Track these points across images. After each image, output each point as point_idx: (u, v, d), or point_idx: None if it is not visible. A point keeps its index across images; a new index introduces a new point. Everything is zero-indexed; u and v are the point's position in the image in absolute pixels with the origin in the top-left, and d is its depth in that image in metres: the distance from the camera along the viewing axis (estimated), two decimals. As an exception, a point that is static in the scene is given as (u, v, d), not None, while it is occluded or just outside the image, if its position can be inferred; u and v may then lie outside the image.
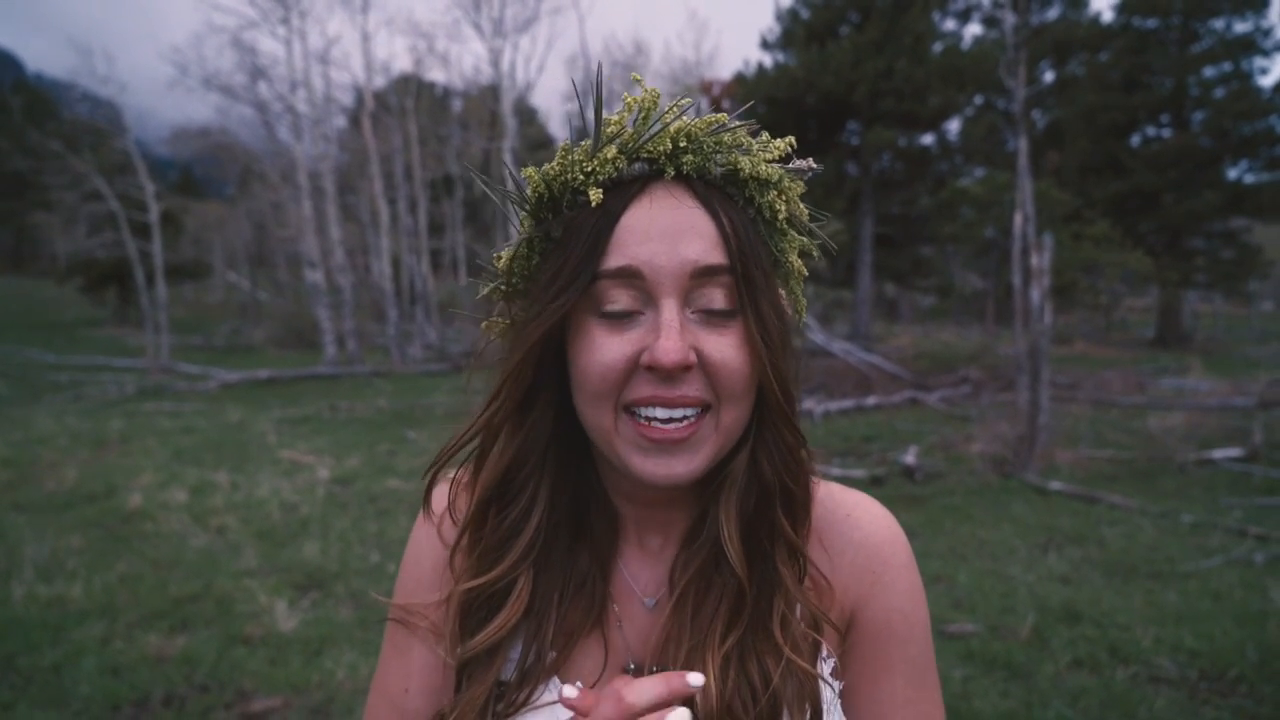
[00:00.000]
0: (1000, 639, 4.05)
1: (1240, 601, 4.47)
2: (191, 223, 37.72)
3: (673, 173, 0.69)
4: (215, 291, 45.66)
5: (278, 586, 4.70)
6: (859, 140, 23.57)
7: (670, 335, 0.65)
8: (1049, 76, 27.39)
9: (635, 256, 0.67)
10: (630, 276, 0.67)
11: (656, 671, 0.73)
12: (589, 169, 0.69)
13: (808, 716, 0.71)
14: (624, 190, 0.69)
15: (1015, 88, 10.90)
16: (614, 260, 0.67)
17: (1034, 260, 8.63)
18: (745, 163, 0.70)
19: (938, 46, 22.87)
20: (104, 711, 3.32)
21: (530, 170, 0.72)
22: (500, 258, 0.76)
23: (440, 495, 0.83)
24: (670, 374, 0.66)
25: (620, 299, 0.68)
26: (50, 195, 25.31)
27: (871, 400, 12.23)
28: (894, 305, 37.77)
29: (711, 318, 0.68)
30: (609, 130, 0.70)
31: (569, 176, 0.70)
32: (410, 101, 25.25)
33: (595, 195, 0.68)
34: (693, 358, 0.66)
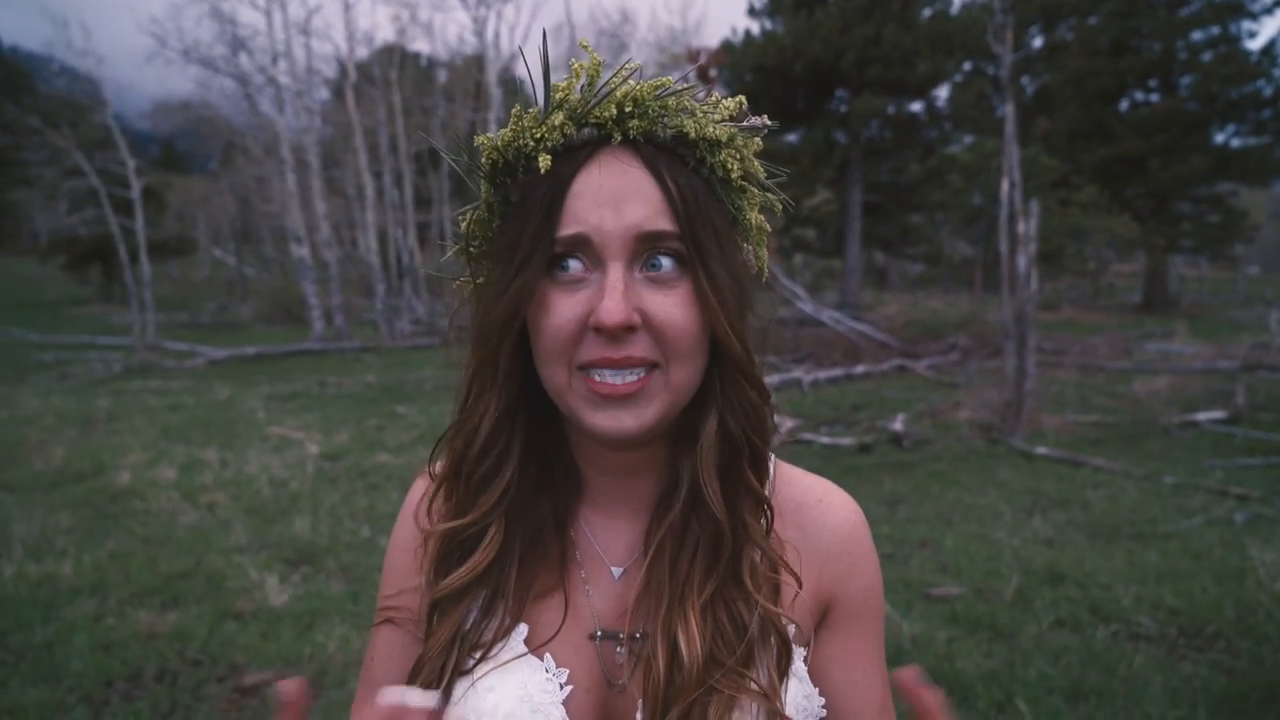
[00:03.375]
0: (985, 601, 4.11)
1: (1220, 560, 4.55)
2: (175, 198, 37.24)
3: (619, 137, 0.71)
4: (201, 268, 45.29)
5: (268, 562, 4.72)
6: (847, 108, 23.46)
7: (614, 296, 0.67)
8: (1038, 42, 27.21)
9: (584, 223, 0.69)
10: (580, 242, 0.69)
11: (640, 639, 0.77)
12: (538, 135, 0.70)
13: (775, 652, 0.75)
14: (574, 155, 0.71)
15: (1003, 53, 10.83)
16: (565, 228, 0.69)
17: (1020, 227, 8.64)
18: (690, 125, 0.71)
19: (926, 12, 22.71)
20: (96, 687, 3.34)
21: (485, 137, 0.74)
22: (462, 220, 0.78)
23: (417, 489, 0.87)
24: (614, 334, 0.68)
25: (572, 263, 0.70)
26: (29, 172, 24.92)
27: (860, 369, 12.28)
28: (883, 273, 37.78)
29: (658, 277, 0.70)
30: (557, 96, 0.71)
31: (521, 143, 0.71)
32: (394, 73, 24.91)
33: (544, 161, 0.70)
34: (636, 318, 0.68)
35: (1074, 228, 20.53)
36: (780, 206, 0.79)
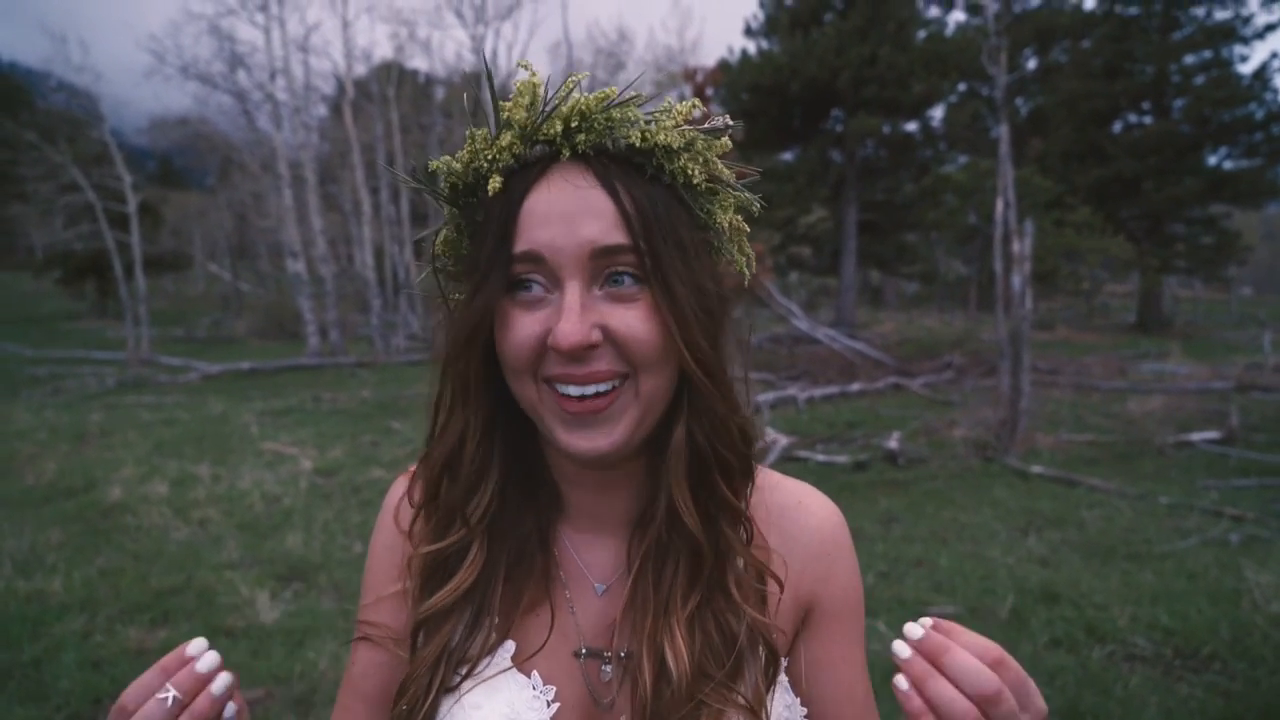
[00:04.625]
0: (980, 620, 4.10)
1: (1215, 581, 4.53)
2: (171, 213, 37.28)
3: (568, 153, 0.70)
4: (196, 283, 45.23)
5: (260, 578, 4.68)
6: (843, 127, 23.59)
7: (570, 318, 0.67)
8: (1032, 64, 27.47)
9: (535, 241, 0.69)
10: (534, 260, 0.69)
11: (624, 658, 0.77)
12: (490, 156, 0.71)
13: (761, 655, 0.75)
14: (525, 174, 0.71)
15: (997, 75, 10.91)
16: (519, 245, 0.69)
17: (1015, 247, 8.68)
18: (635, 135, 0.70)
19: (921, 33, 22.91)
20: (84, 706, 3.30)
21: (444, 160, 0.74)
22: (435, 240, 0.79)
23: (396, 488, 0.87)
24: (573, 354, 0.68)
25: (529, 282, 0.70)
26: (25, 186, 24.89)
27: (855, 386, 12.28)
28: (878, 292, 37.91)
29: (618, 291, 0.70)
30: (504, 116, 0.71)
31: (477, 164, 0.72)
32: (392, 89, 25.03)
33: (494, 183, 0.70)
34: (596, 336, 0.68)
35: (1068, 248, 20.63)
36: (756, 206, 0.77)
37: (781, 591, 0.78)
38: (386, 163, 24.78)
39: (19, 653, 3.74)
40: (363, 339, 22.57)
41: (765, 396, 10.83)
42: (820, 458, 7.78)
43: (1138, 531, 5.54)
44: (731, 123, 0.75)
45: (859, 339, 17.11)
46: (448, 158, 0.74)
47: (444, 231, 0.78)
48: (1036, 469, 7.26)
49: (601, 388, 0.69)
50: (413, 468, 0.86)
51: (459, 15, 22.45)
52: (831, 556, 0.84)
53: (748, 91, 23.31)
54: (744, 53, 24.37)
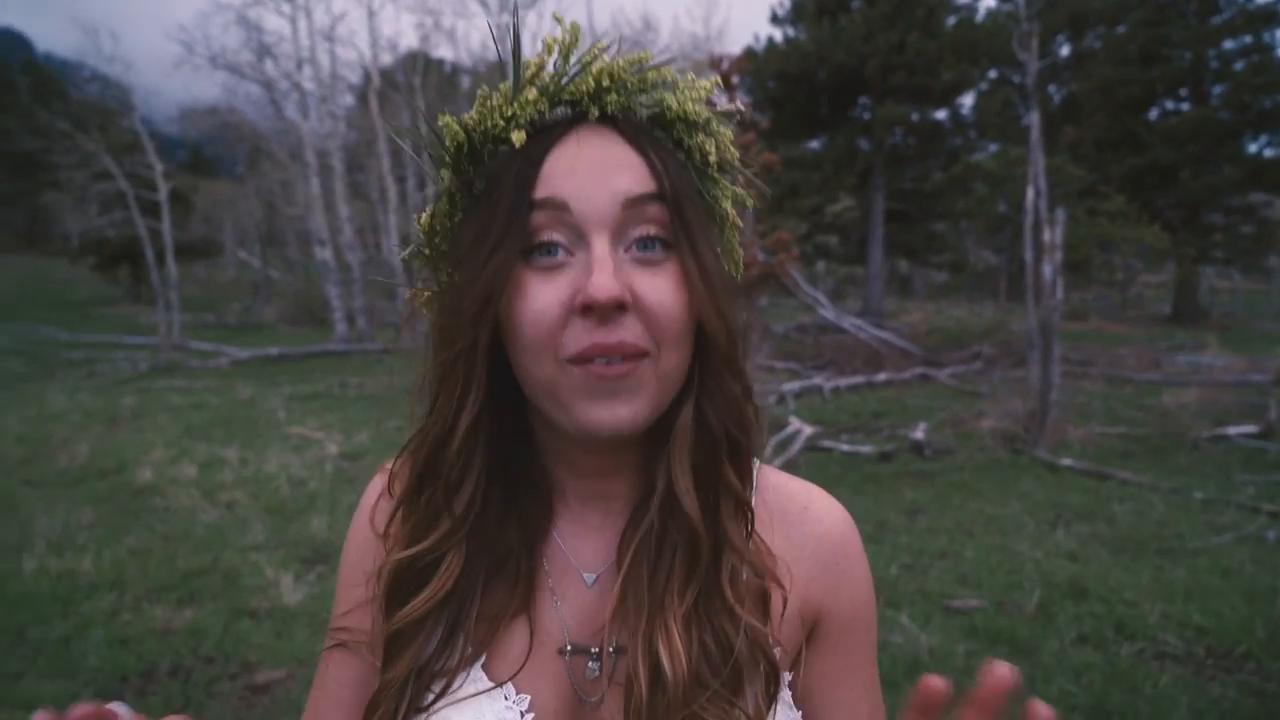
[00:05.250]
0: (1005, 614, 4.04)
1: (1250, 578, 4.43)
2: (201, 201, 37.71)
3: (596, 113, 0.67)
4: (227, 270, 45.81)
5: (284, 560, 4.73)
6: (870, 115, 23.30)
7: (604, 270, 0.62)
8: (1065, 50, 26.95)
9: (561, 189, 0.64)
10: (557, 209, 0.64)
11: (612, 653, 0.71)
12: (509, 114, 0.66)
13: (761, 671, 0.69)
14: (548, 134, 0.67)
15: (1029, 61, 10.69)
16: (539, 192, 0.64)
17: (1046, 235, 8.52)
18: (671, 100, 0.67)
19: (951, 20, 22.51)
20: (111, 682, 3.36)
21: (449, 119, 0.69)
22: (421, 218, 0.73)
23: (374, 486, 0.81)
24: (606, 312, 0.62)
25: (546, 235, 0.64)
26: (60, 175, 25.33)
27: (882, 376, 12.16)
28: (907, 281, 37.53)
29: (646, 255, 0.65)
30: (529, 73, 0.67)
31: (489, 124, 0.67)
32: (418, 79, 25.10)
33: (518, 137, 0.65)
34: (628, 295, 0.63)
35: (1102, 238, 20.26)
36: (750, 201, 0.74)
37: (786, 599, 0.72)
38: (413, 153, 24.88)
39: (49, 629, 3.82)
40: (390, 325, 22.73)
41: (791, 386, 10.76)
42: (845, 448, 7.72)
43: (1170, 526, 5.43)
44: (742, 107, 0.73)
45: (886, 328, 16.95)
46: (454, 117, 0.69)
47: (435, 204, 0.72)
48: (1066, 461, 7.14)
49: (625, 363, 0.64)
50: (389, 464, 0.80)
51: (484, 4, 22.42)
52: (841, 566, 0.77)
53: (774, 79, 23.08)
54: (770, 40, 24.12)
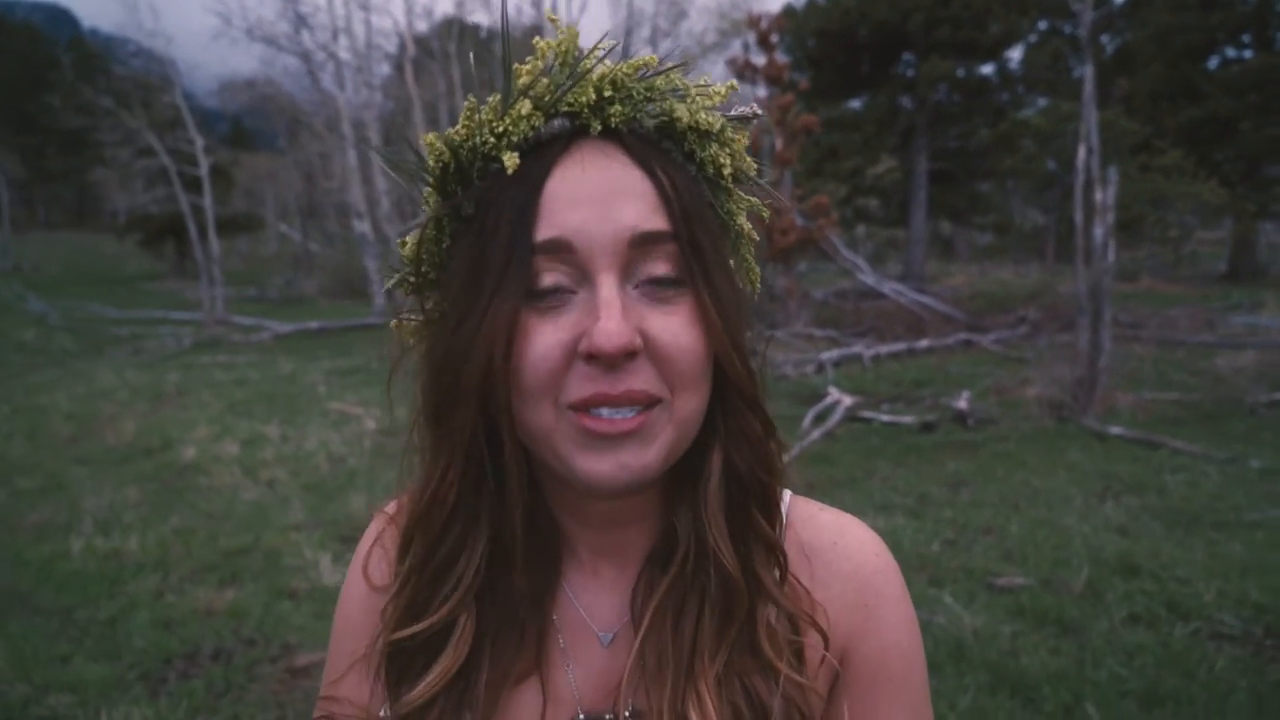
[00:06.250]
0: (1052, 593, 3.92)
1: (1312, 554, 4.26)
2: (242, 175, 38.21)
3: (599, 127, 0.59)
4: (269, 243, 46.48)
5: (323, 540, 4.78)
6: (914, 72, 22.69)
7: (611, 315, 0.55)
8: (1119, -3, 25.90)
9: (564, 226, 0.57)
10: (561, 250, 0.57)
11: (629, 717, 0.64)
12: (499, 130, 0.59)
13: None
14: (545, 152, 0.59)
15: (1082, 10, 10.24)
16: (541, 233, 0.57)
17: (1098, 196, 8.21)
18: (682, 110, 0.60)
19: (998, -32, 21.71)
20: (155, 665, 3.41)
21: (432, 136, 0.62)
22: (405, 243, 0.66)
23: (369, 535, 0.76)
24: (613, 361, 0.56)
25: (549, 278, 0.58)
26: (106, 152, 25.78)
27: (924, 343, 11.93)
28: (949, 244, 36.72)
29: (657, 292, 0.59)
30: (521, 82, 0.59)
31: (477, 140, 0.60)
32: (453, 46, 24.95)
33: (510, 160, 0.58)
34: (638, 341, 0.56)
35: (1156, 194, 19.56)
36: (767, 213, 0.67)
37: (826, 649, 0.65)
38: (449, 121, 24.84)
39: (96, 610, 3.90)
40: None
41: (830, 354, 10.60)
42: (885, 418, 7.58)
43: (1225, 498, 5.24)
44: (759, 112, 0.65)
45: (928, 293, 16.61)
46: (436, 134, 0.62)
47: (421, 231, 0.65)
48: (1115, 430, 6.92)
49: (631, 411, 0.58)
50: (387, 509, 0.74)
51: (518, -35, 22.14)
52: (870, 607, 0.69)
53: (814, 37, 22.57)
54: (810, -4, 23.54)
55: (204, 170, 21.45)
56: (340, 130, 20.52)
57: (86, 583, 4.20)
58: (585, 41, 0.61)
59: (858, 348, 11.21)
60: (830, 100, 23.62)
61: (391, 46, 27.03)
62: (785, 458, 0.69)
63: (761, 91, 14.64)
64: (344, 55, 20.78)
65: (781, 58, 15.59)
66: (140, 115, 21.87)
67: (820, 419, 7.29)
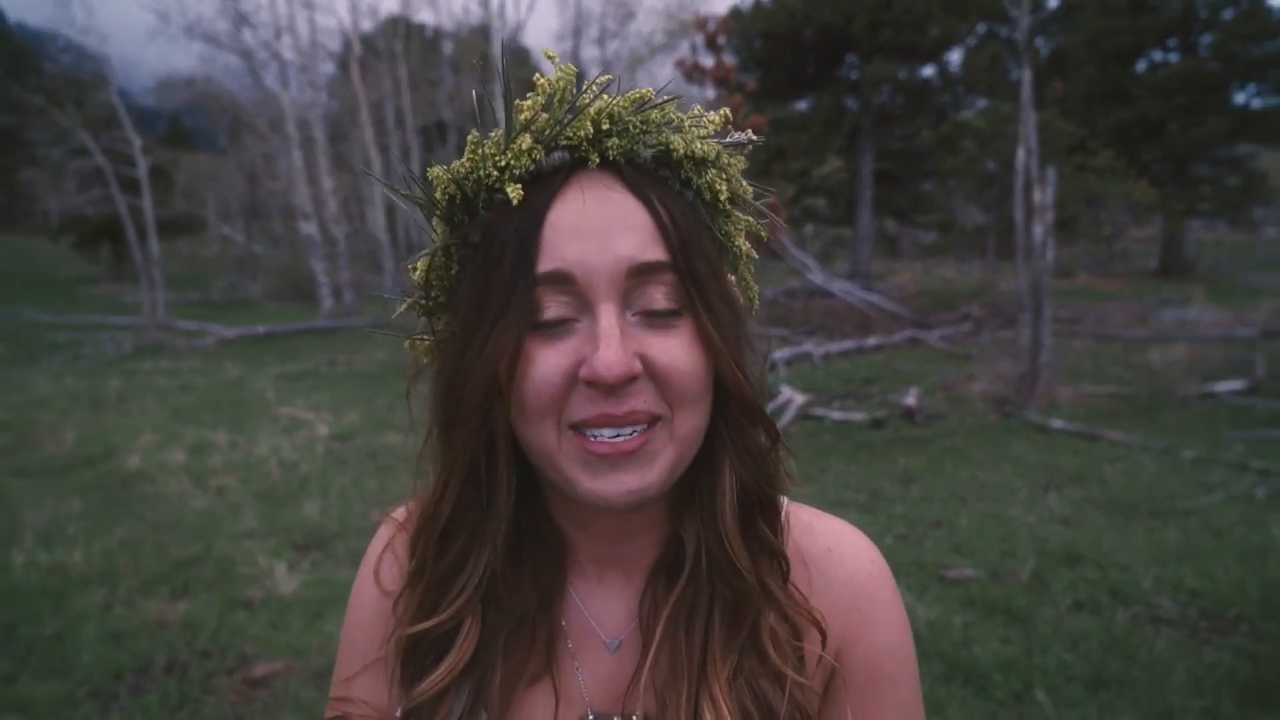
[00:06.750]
0: (1000, 583, 4.05)
1: (1241, 538, 4.47)
2: (182, 176, 37.10)
3: (597, 160, 0.63)
4: (211, 246, 45.29)
5: (278, 548, 4.70)
6: (858, 74, 23.09)
7: (610, 345, 0.59)
8: (1054, 1, 26.66)
9: (565, 258, 0.60)
10: (562, 281, 0.60)
11: None
12: (502, 163, 0.62)
13: None
14: (546, 184, 0.62)
15: (1019, 15, 10.53)
16: (543, 265, 0.60)
17: (1037, 196, 8.46)
18: (678, 141, 0.63)
19: (938, -27, 22.20)
20: (106, 680, 3.33)
21: (438, 170, 0.65)
22: (415, 269, 0.69)
23: (379, 540, 0.79)
24: (613, 388, 0.59)
25: (552, 306, 0.61)
26: (36, 151, 24.82)
27: (872, 341, 12.15)
28: (894, 242, 37.38)
29: (655, 319, 0.62)
30: (522, 117, 0.62)
31: (481, 173, 0.63)
32: (399, 45, 24.62)
33: (515, 193, 0.61)
34: (638, 367, 0.60)
35: (1090, 193, 20.21)
36: (764, 233, 0.71)
37: (824, 649, 0.69)
38: (396, 121, 24.51)
39: (41, 626, 3.78)
40: (377, 300, 22.53)
41: (781, 353, 10.73)
42: (837, 415, 7.71)
43: (1161, 487, 5.46)
44: (755, 138, 0.69)
45: (875, 291, 16.90)
46: (443, 167, 0.65)
47: (430, 259, 0.68)
48: (1057, 423, 7.16)
49: (633, 430, 0.61)
50: (397, 514, 0.77)
51: (464, -35, 21.93)
52: (863, 612, 0.72)
53: (760, 39, 22.81)
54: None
55: (142, 171, 20.82)
56: (285, 130, 20.10)
57: (30, 598, 4.07)
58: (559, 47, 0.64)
59: (808, 346, 11.36)
60: (777, 101, 23.92)
61: (336, 45, 26.63)
62: (791, 464, 0.73)
63: (710, 93, 14.74)
64: (288, 54, 20.38)
65: (729, 59, 15.71)
66: (73, 114, 21.12)
67: (774, 418, 7.38)
